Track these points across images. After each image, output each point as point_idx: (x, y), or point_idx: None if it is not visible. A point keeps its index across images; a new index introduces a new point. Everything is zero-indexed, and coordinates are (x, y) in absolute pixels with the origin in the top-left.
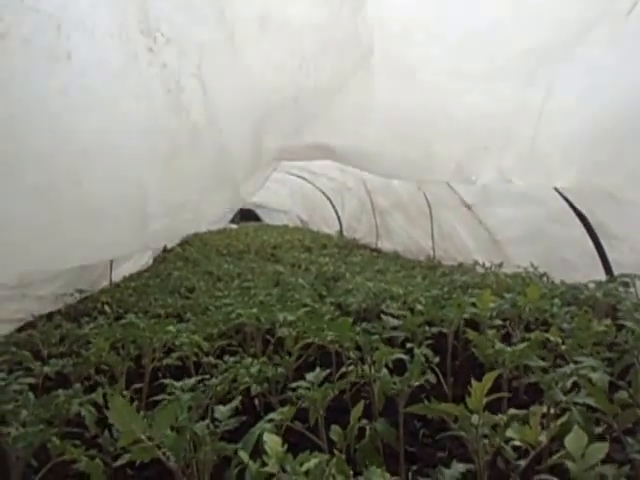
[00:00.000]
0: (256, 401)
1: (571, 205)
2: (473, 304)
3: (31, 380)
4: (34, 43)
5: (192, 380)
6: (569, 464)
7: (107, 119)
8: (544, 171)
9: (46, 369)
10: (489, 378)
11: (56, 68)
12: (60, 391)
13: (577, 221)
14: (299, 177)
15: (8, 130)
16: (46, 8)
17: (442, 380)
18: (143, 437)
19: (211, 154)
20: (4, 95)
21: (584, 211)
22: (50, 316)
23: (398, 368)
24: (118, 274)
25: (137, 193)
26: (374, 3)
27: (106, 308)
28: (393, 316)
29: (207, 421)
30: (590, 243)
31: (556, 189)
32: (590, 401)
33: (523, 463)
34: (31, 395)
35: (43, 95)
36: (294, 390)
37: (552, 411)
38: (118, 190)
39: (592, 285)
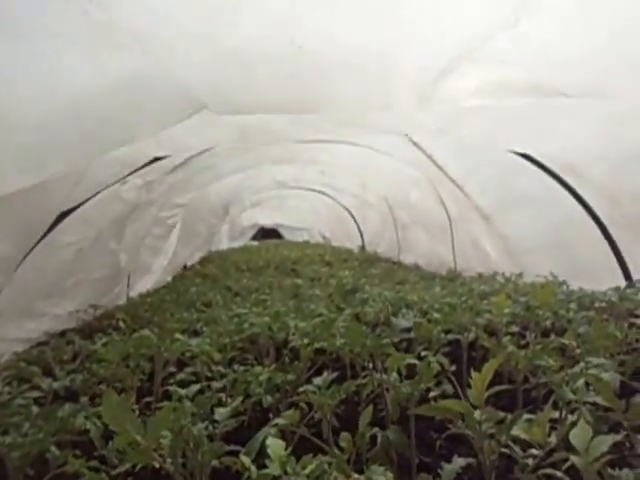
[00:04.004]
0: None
1: (586, 207)
2: (489, 311)
3: (38, 395)
4: None
5: (197, 387)
6: (574, 458)
7: None
8: None
9: (55, 385)
10: (489, 368)
11: None
12: (66, 405)
13: (595, 227)
14: (321, 193)
15: None
16: None
17: (459, 390)
18: (138, 438)
19: None
20: None
21: (601, 215)
22: (63, 333)
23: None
24: (135, 291)
25: None
26: None
27: (120, 324)
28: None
29: (206, 423)
30: (607, 247)
31: (574, 191)
32: (599, 399)
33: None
34: (35, 408)
35: None
36: (299, 395)
37: (563, 412)
38: None
39: (610, 292)
